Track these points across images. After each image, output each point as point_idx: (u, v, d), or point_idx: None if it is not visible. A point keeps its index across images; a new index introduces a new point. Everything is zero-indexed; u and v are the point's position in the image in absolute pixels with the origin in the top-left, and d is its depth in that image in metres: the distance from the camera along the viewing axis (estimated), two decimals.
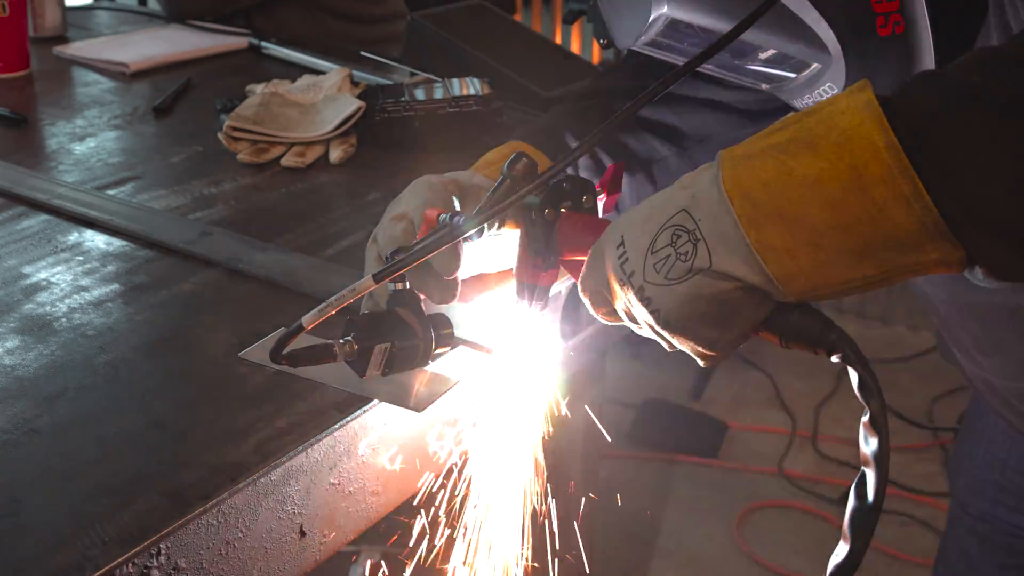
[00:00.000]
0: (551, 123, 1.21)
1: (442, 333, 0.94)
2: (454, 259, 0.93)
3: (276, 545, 0.95)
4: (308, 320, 0.85)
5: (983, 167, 0.68)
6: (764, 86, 0.95)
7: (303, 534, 0.97)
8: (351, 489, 1.01)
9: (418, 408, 0.98)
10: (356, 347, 0.90)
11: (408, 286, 0.94)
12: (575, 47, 4.71)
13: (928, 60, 0.86)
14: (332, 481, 0.99)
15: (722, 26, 0.87)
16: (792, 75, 0.92)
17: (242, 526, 0.91)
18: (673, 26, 0.91)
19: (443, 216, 0.93)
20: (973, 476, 1.32)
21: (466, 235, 0.87)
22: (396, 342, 0.91)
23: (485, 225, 0.90)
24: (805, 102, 0.93)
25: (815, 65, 0.89)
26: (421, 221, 0.96)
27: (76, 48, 2.16)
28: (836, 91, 0.90)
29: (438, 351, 0.94)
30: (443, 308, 0.98)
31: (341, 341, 0.90)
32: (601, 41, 0.96)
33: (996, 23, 0.82)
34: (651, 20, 0.90)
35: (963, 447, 1.37)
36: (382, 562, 1.37)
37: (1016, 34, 0.74)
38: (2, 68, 2.00)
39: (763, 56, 0.91)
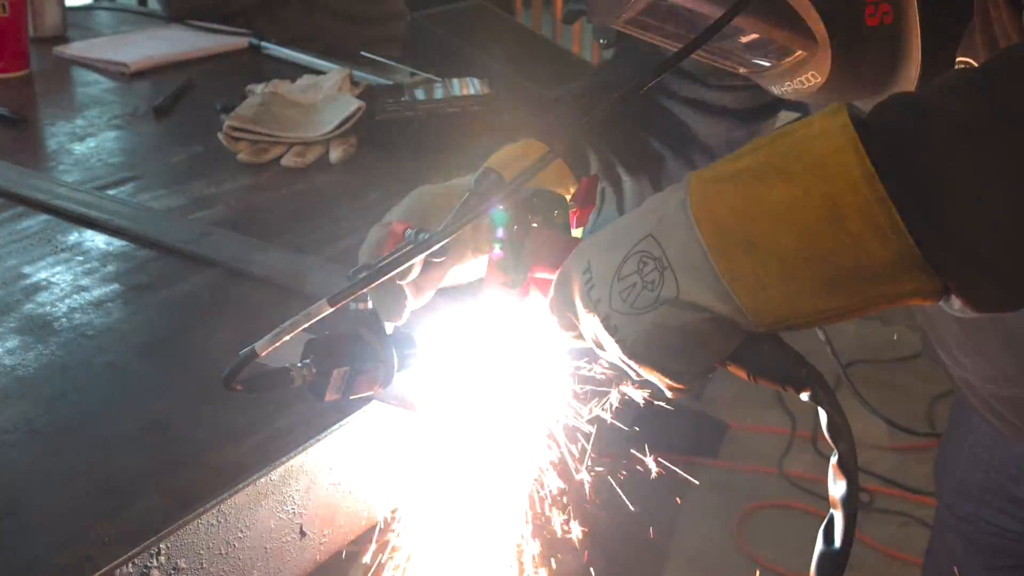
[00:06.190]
0: (559, 124, 1.19)
1: (405, 353, 0.93)
2: (407, 270, 0.92)
3: (276, 545, 0.95)
4: (261, 346, 0.82)
5: (964, 197, 0.65)
6: (742, 70, 0.92)
7: (303, 534, 0.97)
8: (351, 489, 1.01)
9: (413, 407, 0.98)
10: (314, 371, 0.88)
11: (371, 306, 0.93)
12: (575, 47, 4.71)
13: (915, 53, 0.84)
14: (332, 481, 0.99)
15: (704, 5, 0.85)
16: (773, 62, 0.89)
17: (242, 526, 0.91)
18: (655, 4, 0.88)
19: (409, 231, 0.92)
20: (958, 477, 1.32)
21: (415, 259, 0.86)
22: (355, 365, 0.89)
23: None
24: (785, 90, 0.91)
25: (799, 52, 0.86)
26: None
27: (76, 48, 2.16)
28: (819, 80, 0.87)
29: (401, 371, 0.93)
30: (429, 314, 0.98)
31: (299, 364, 0.88)
32: (601, 41, 0.95)
33: (980, 24, 0.80)
34: None
35: (948, 448, 1.37)
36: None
37: (993, 56, 0.72)
38: (2, 68, 1.99)
39: (745, 40, 0.88)
